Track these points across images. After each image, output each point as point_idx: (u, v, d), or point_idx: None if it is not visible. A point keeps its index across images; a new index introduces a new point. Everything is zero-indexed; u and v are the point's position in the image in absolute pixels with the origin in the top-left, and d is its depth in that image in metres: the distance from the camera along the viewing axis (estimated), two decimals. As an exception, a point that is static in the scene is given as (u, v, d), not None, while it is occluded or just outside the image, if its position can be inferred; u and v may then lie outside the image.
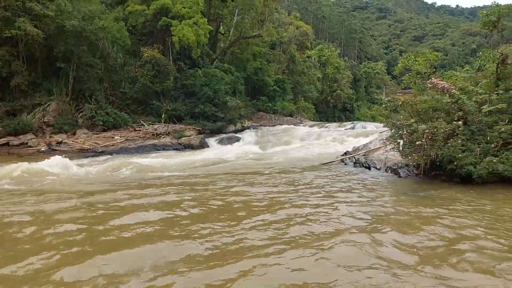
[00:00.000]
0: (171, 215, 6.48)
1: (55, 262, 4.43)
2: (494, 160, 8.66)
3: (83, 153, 19.57)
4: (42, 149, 19.37)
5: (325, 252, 4.73)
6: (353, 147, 15.60)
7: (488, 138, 9.23)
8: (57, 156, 14.03)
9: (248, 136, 27.88)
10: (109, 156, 18.66)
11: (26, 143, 19.90)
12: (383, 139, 13.28)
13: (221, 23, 37.68)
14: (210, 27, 29.40)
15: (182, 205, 7.26)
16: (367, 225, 5.91)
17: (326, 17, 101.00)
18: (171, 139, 24.07)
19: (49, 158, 13.43)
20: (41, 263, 4.39)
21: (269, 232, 5.50)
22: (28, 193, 8.73)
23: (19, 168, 12.04)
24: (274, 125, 32.90)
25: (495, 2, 12.65)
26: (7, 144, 19.45)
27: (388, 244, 4.98)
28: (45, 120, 21.74)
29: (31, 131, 20.83)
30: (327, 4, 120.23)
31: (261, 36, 37.44)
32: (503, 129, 9.05)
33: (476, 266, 4.27)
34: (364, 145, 15.08)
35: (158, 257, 4.52)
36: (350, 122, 35.92)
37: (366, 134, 22.04)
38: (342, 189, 9.05)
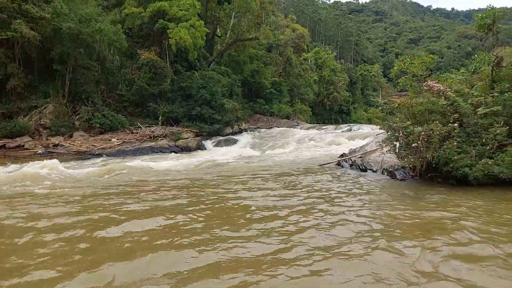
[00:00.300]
0: (171, 222, 6.36)
1: (60, 272, 4.32)
2: (490, 162, 8.71)
3: (80, 155, 19.53)
4: (38, 152, 19.31)
5: (329, 258, 4.72)
6: (350, 149, 15.65)
7: (484, 140, 9.29)
8: (54, 159, 13.98)
9: (245, 138, 27.93)
10: (106, 159, 18.64)
11: (23, 146, 19.85)
12: (379, 141, 13.35)
13: (218, 26, 37.76)
14: (207, 29, 29.48)
15: (181, 211, 7.16)
16: (365, 230, 5.92)
17: (323, 20, 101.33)
18: (168, 141, 24.07)
19: (43, 161, 13.38)
20: (45, 274, 4.25)
21: (273, 239, 5.39)
22: (22, 196, 8.69)
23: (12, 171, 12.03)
24: (271, 128, 32.97)
25: (490, 5, 12.81)
26: (3, 146, 19.40)
27: (390, 249, 4.97)
28: (42, 122, 21.69)
29: (27, 134, 20.78)
30: (324, 7, 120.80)
31: (258, 39, 37.56)
32: (498, 131, 9.09)
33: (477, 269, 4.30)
34: (361, 147, 15.13)
35: (167, 267, 4.42)
36: (347, 125, 36.08)
37: (362, 137, 22.12)
38: (340, 192, 9.07)
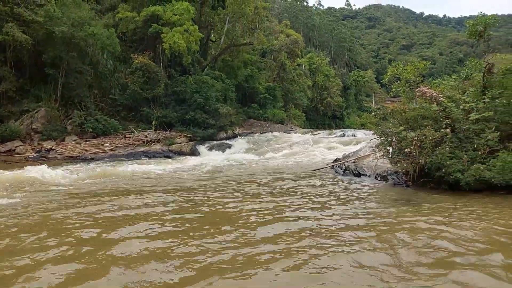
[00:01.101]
0: (175, 233, 6.05)
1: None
2: (481, 167, 8.76)
3: (72, 160, 19.34)
4: (30, 156, 19.09)
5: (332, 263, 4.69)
6: (343, 154, 15.68)
7: (475, 146, 9.35)
8: (42, 165, 13.85)
9: (239, 143, 27.85)
10: (99, 163, 18.45)
11: (14, 150, 19.64)
12: (372, 147, 13.41)
13: (212, 31, 37.81)
14: (201, 34, 29.46)
15: (183, 219, 7.00)
16: (361, 234, 5.87)
17: (316, 25, 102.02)
18: (161, 146, 23.95)
19: (35, 166, 13.27)
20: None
21: (284, 259, 4.89)
22: (19, 203, 8.57)
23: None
24: (265, 132, 32.95)
25: (481, 12, 12.95)
26: (-7, 151, 19.16)
27: (391, 255, 4.96)
28: (33, 126, 21.46)
29: (19, 138, 20.58)
30: (317, 13, 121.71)
31: (252, 44, 37.67)
32: (490, 136, 9.17)
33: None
34: (354, 152, 15.17)
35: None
36: (340, 130, 36.16)
37: (356, 142, 22.21)
38: (333, 198, 9.04)
